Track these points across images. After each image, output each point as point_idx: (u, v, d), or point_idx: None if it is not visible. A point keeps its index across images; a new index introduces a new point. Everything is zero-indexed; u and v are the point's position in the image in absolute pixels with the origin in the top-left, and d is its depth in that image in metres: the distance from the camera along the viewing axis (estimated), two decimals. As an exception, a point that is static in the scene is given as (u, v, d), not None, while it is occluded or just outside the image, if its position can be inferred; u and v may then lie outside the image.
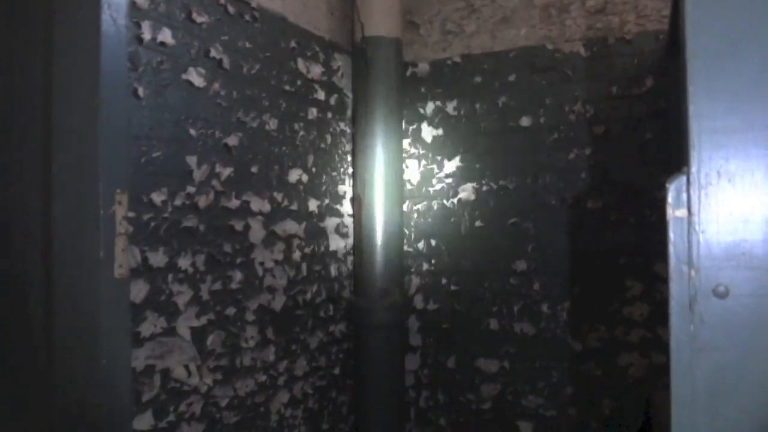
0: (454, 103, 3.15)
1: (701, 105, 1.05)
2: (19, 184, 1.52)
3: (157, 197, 2.00)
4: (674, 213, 1.06)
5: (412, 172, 3.24)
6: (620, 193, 2.80)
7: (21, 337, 1.50)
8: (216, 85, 2.26)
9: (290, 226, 2.65)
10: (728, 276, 1.03)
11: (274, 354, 2.54)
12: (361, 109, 3.04)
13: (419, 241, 3.22)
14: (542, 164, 2.95)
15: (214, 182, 2.24)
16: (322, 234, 2.88)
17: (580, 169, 2.88)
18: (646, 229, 2.74)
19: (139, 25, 1.95)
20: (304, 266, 2.73)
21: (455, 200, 3.14)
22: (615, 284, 2.79)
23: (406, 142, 3.24)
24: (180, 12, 2.11)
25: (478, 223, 3.08)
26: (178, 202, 2.08)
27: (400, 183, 3.11)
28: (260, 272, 2.46)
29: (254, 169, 2.44)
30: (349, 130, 3.12)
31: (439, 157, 3.18)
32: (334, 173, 3.00)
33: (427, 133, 3.21)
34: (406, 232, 3.23)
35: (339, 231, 3.02)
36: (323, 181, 2.91)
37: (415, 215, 3.23)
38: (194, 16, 2.16)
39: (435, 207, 3.19)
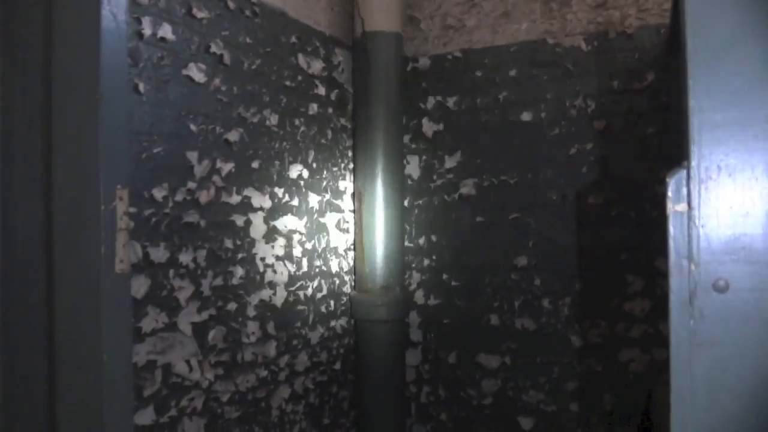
0: (455, 98, 3.15)
1: (701, 99, 1.05)
2: (20, 180, 1.53)
3: (158, 193, 2.00)
4: (674, 207, 1.06)
5: (413, 167, 3.24)
6: (621, 188, 2.79)
7: (22, 332, 1.50)
8: (216, 81, 2.26)
9: (291, 222, 2.65)
10: (728, 270, 1.03)
11: (275, 349, 2.54)
12: (362, 105, 3.04)
13: (420, 237, 3.22)
14: (543, 159, 2.95)
15: (215, 178, 2.25)
16: (322, 229, 2.88)
17: (581, 164, 2.88)
18: (647, 224, 2.73)
19: (139, 21, 1.94)
20: (305, 262, 2.74)
21: (456, 195, 3.14)
22: (616, 279, 2.79)
23: (406, 138, 3.24)
24: (180, 7, 2.11)
25: (478, 219, 3.08)
26: (179, 197, 2.08)
27: (400, 178, 3.11)
28: (261, 268, 2.46)
29: (255, 165, 2.45)
30: (349, 126, 3.11)
31: (439, 153, 3.18)
32: (335, 169, 3.00)
33: (428, 128, 3.21)
34: (407, 227, 3.24)
35: (340, 226, 3.02)
36: (324, 176, 2.91)
37: (416, 211, 3.23)
38: (194, 11, 2.16)
39: (436, 202, 3.19)
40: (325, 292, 2.88)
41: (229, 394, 2.29)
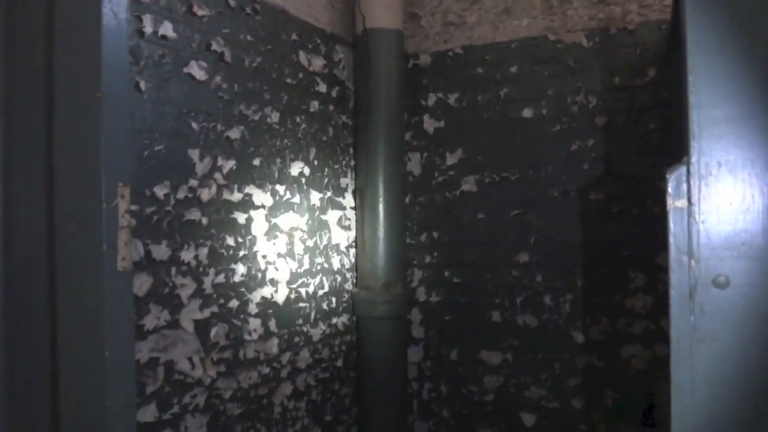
0: (456, 94, 3.14)
1: (701, 95, 1.05)
2: (22, 178, 1.53)
3: (160, 190, 2.01)
4: (674, 203, 1.06)
5: (414, 164, 3.24)
6: (623, 184, 2.79)
7: (24, 330, 1.51)
8: (217, 79, 2.26)
9: (292, 219, 2.65)
10: (728, 266, 1.03)
11: (277, 346, 2.55)
12: (363, 102, 3.04)
13: (421, 234, 3.22)
14: (544, 156, 2.94)
15: (217, 175, 2.25)
16: (324, 226, 2.89)
17: (583, 161, 2.87)
18: (648, 220, 2.73)
19: (140, 19, 1.95)
20: (306, 259, 2.74)
21: (457, 192, 3.14)
22: (617, 276, 2.79)
23: (407, 134, 3.24)
24: (181, 5, 2.11)
25: (480, 215, 3.08)
26: (180, 195, 2.09)
27: (402, 175, 3.11)
28: (263, 265, 2.47)
29: (256, 162, 2.45)
30: (350, 123, 3.11)
31: (441, 149, 3.18)
32: (336, 166, 3.00)
33: (429, 125, 3.21)
34: (408, 224, 3.24)
35: (341, 223, 3.02)
36: (325, 173, 2.91)
37: (418, 207, 3.23)
38: (195, 9, 2.16)
39: (437, 199, 3.19)
40: (326, 289, 2.89)
41: (232, 391, 2.30)
